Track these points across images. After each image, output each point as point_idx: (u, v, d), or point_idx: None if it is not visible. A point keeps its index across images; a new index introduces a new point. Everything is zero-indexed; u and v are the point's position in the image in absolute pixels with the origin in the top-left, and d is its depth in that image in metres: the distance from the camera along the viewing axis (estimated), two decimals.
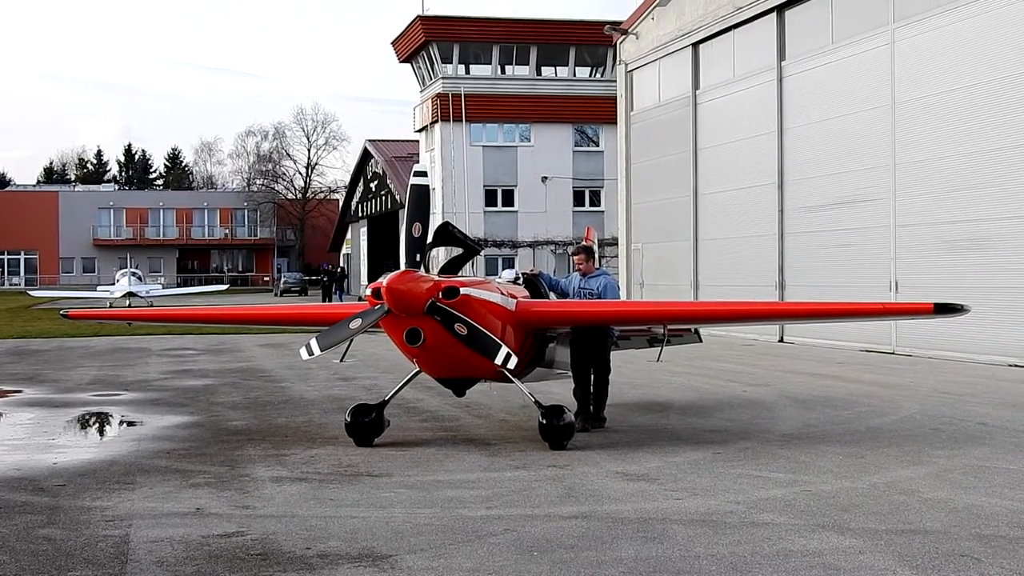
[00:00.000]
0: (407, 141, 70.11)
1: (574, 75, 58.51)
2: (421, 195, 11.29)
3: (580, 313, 13.58)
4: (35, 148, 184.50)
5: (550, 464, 10.83)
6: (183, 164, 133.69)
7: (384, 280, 10.91)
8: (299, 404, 16.16)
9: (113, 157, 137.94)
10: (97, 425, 14.88)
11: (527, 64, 57.91)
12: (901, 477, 10.12)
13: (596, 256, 14.09)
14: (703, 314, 15.13)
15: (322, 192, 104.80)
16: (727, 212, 32.04)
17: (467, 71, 57.81)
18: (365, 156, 78.22)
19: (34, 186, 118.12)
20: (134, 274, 59.65)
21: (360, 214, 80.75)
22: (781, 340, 28.34)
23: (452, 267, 12.78)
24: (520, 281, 13.49)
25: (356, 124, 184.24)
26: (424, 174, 11.53)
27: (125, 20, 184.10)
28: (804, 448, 11.75)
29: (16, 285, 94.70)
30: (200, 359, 24.68)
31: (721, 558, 7.39)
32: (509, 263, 52.57)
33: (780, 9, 29.20)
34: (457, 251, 13.08)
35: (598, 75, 58.18)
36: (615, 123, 40.49)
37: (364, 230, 78.95)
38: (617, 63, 39.64)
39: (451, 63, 57.29)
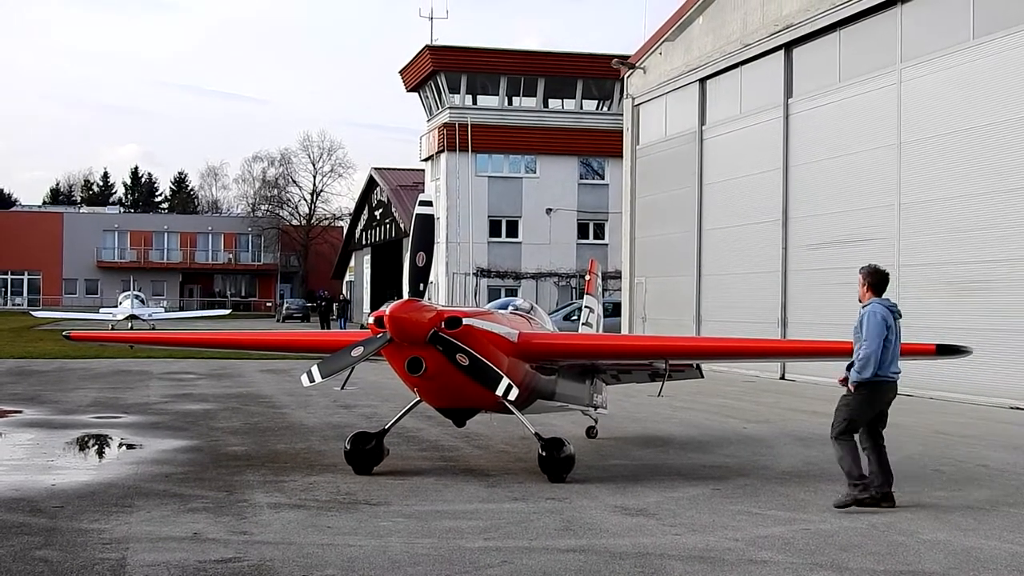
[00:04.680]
0: (413, 170, 70.28)
1: (581, 108, 58.68)
2: (426, 224, 11.32)
3: (582, 346, 13.56)
4: (48, 169, 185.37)
5: (549, 497, 10.81)
6: (189, 188, 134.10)
7: (387, 308, 10.94)
8: (299, 431, 16.14)
9: (119, 180, 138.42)
10: (96, 447, 14.86)
11: (534, 96, 58.10)
12: (901, 517, 10.08)
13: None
14: (705, 350, 15.11)
15: (327, 219, 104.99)
16: (731, 248, 32.06)
17: (474, 101, 58.02)
18: (370, 184, 78.42)
19: (39, 207, 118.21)
20: (137, 297, 59.66)
21: (364, 242, 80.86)
22: (782, 377, 28.29)
23: None
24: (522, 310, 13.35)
25: (362, 152, 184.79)
26: (429, 203, 11.57)
27: (136, 44, 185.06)
28: (804, 486, 11.72)
29: (19, 305, 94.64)
30: (201, 383, 24.67)
31: None
32: (512, 295, 52.57)
33: (788, 47, 29.33)
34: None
35: (605, 108, 58.34)
36: (621, 156, 40.57)
37: (368, 258, 79.06)
38: (624, 97, 39.78)
39: (459, 93, 57.50)
